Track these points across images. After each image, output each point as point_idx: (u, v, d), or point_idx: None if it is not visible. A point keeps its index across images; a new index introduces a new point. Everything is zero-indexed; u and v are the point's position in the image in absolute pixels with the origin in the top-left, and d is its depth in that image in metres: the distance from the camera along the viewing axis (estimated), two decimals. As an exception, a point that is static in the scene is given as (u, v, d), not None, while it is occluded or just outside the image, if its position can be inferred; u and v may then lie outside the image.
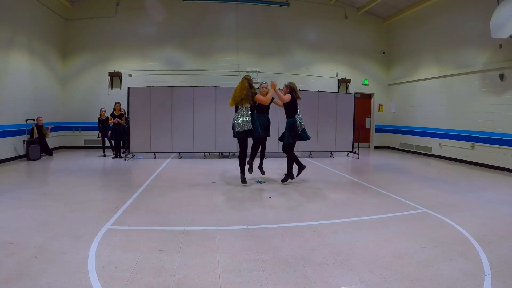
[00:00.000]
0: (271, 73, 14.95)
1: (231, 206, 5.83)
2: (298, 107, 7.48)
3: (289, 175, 7.72)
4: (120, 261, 3.51)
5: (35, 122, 11.56)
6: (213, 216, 5.21)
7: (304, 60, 15.72)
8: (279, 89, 7.47)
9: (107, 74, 14.37)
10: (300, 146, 11.00)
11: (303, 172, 7.87)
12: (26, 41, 11.66)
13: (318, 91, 12.83)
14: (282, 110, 7.73)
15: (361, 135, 14.62)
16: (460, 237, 4.42)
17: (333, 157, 12.88)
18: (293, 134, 7.34)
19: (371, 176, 9.67)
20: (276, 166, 9.63)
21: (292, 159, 7.62)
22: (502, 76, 10.35)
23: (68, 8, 14.13)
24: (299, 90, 8.03)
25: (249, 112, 7.02)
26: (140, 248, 3.85)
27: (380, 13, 16.06)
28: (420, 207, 5.90)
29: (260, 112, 7.50)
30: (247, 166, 7.55)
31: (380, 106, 16.90)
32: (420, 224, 4.98)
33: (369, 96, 16.90)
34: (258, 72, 14.97)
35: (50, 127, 11.95)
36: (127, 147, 11.80)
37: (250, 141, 7.48)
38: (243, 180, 7.43)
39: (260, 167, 7.96)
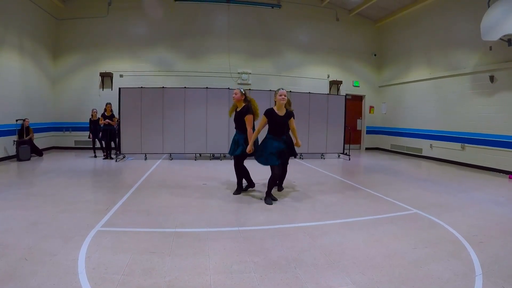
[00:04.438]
0: (263, 75, 15.00)
1: (222, 208, 5.81)
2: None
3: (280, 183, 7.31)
4: (111, 262, 3.47)
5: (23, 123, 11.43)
6: (204, 217, 5.18)
7: (295, 61, 15.75)
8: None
9: (98, 74, 14.29)
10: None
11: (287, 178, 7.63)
12: (16, 40, 11.55)
13: (309, 92, 12.87)
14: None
15: (352, 137, 14.68)
16: (451, 237, 4.45)
17: (324, 158, 12.91)
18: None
19: (362, 177, 9.70)
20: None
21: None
22: (492, 78, 10.46)
23: (59, 8, 14.03)
24: (289, 91, 7.87)
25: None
26: (131, 250, 3.82)
27: (372, 15, 16.15)
28: (411, 208, 5.93)
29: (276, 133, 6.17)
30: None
31: (371, 107, 16.99)
32: (411, 224, 5.01)
33: (360, 98, 16.98)
34: (250, 73, 14.98)
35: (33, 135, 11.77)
36: (117, 148, 11.74)
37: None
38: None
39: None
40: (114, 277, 3.16)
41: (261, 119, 6.14)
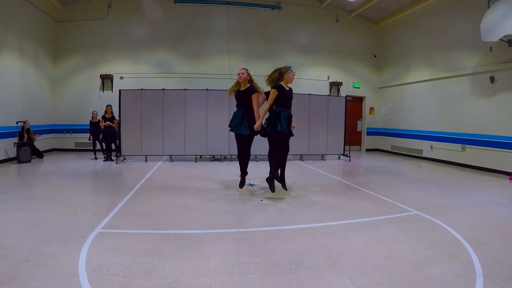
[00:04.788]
0: (262, 76, 14.85)
1: (222, 209, 5.80)
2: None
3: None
4: (111, 264, 3.47)
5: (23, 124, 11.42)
6: (204, 219, 5.18)
7: (295, 63, 15.63)
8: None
9: (99, 76, 14.29)
10: (292, 149, 11.01)
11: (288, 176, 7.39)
12: (17, 42, 11.56)
13: (309, 94, 12.87)
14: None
15: (352, 138, 14.64)
16: (451, 238, 4.45)
17: (324, 160, 12.90)
18: None
19: (362, 178, 9.69)
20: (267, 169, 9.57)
21: None
22: (492, 79, 10.45)
23: (59, 10, 14.03)
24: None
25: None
26: (131, 252, 3.81)
27: (371, 16, 16.16)
28: (411, 209, 5.92)
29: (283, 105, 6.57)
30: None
31: (372, 109, 16.98)
32: (411, 226, 5.01)
33: (360, 99, 16.97)
34: (250, 74, 14.95)
35: (37, 136, 11.77)
36: (118, 150, 11.74)
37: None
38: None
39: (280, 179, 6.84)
40: (114, 279, 3.16)
41: (271, 94, 6.47)
